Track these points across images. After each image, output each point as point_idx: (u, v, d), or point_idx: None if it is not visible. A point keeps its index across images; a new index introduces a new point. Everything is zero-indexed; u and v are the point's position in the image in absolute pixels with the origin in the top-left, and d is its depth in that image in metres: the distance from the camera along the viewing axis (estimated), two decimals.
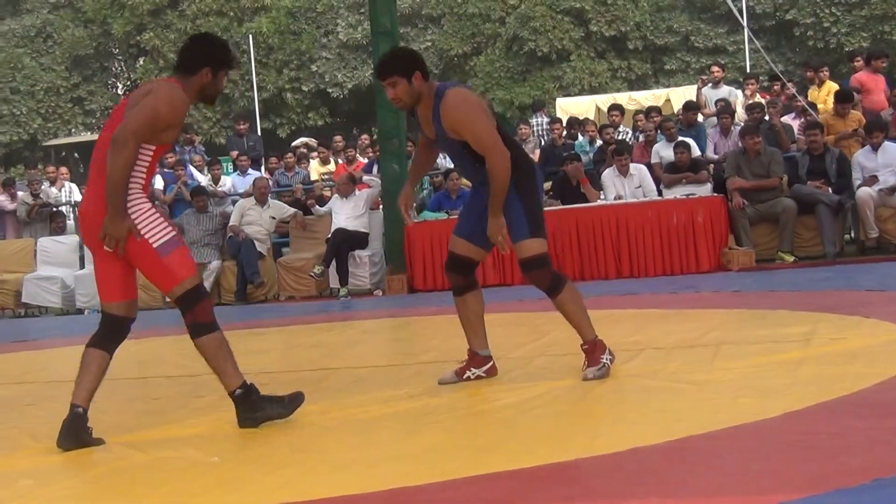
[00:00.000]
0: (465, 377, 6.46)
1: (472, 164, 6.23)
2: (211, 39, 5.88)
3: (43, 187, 18.66)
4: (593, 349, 6.23)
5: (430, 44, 34.76)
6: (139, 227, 5.31)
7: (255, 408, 5.48)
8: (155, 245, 5.33)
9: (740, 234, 13.68)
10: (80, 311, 16.20)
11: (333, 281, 14.97)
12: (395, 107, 6.44)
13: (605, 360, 6.20)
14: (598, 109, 26.00)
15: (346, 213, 15.04)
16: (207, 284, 15.53)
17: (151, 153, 5.37)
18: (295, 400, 5.61)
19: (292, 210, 15.98)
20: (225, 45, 5.83)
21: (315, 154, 20.10)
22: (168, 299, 5.54)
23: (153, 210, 5.41)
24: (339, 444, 5.03)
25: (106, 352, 5.48)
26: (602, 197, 14.49)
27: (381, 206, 15.26)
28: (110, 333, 5.52)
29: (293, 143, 24.85)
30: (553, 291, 6.24)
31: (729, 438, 4.52)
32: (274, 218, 15.84)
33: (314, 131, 32.79)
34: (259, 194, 15.87)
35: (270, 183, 17.12)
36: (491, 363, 6.53)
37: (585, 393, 5.68)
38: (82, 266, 16.48)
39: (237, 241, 15.55)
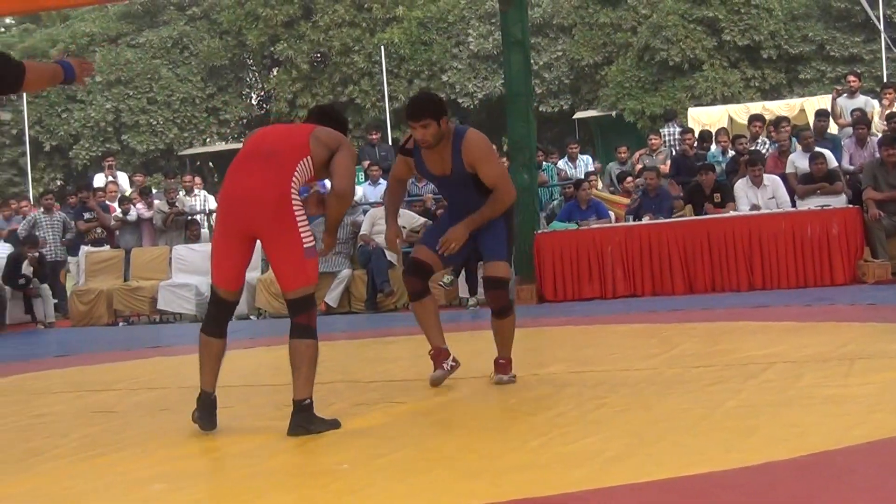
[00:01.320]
0: (447, 370, 7.12)
1: (474, 195, 6.86)
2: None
3: (179, 196, 18.98)
4: (509, 363, 7.05)
5: (560, 53, 34.69)
6: (299, 227, 5.80)
7: (311, 420, 5.78)
8: (304, 246, 5.78)
9: (876, 246, 13.43)
10: None
11: (462, 291, 15.01)
12: (421, 146, 6.90)
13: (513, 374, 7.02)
14: (731, 119, 25.73)
15: None
16: (337, 293, 15.71)
17: (311, 176, 6.03)
18: (335, 424, 5.88)
19: (422, 220, 16.03)
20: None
21: None
22: (288, 297, 5.89)
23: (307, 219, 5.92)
24: (468, 453, 5.03)
25: (223, 339, 6.03)
26: (735, 208, 14.31)
27: None
28: (224, 317, 6.06)
29: None
30: (505, 313, 7.03)
31: (863, 454, 4.44)
32: (404, 227, 15.89)
33: None
34: None
35: None
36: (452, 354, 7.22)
37: (716, 406, 5.62)
38: None
39: (368, 250, 15.67)
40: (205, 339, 5.99)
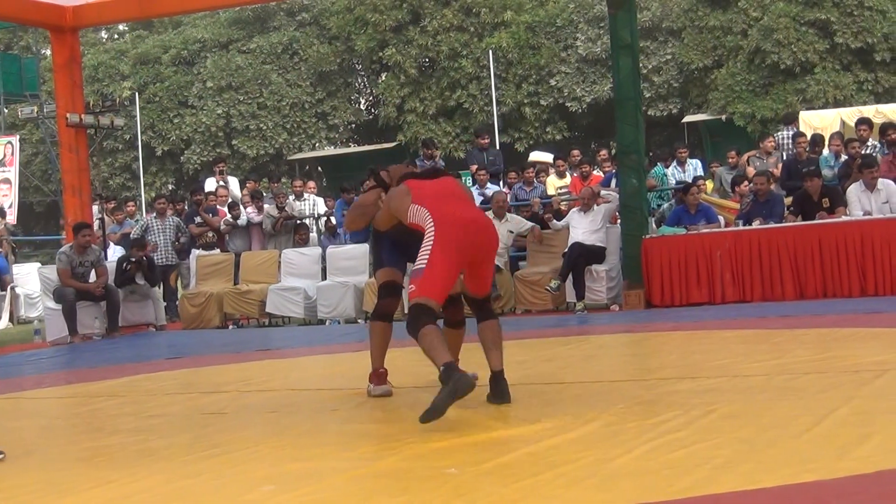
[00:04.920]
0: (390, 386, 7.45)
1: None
2: None
3: (288, 200, 19.15)
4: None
5: (669, 57, 34.48)
6: None
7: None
8: None
9: None
10: (322, 322, 16.55)
11: (570, 295, 14.96)
12: None
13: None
14: (844, 123, 25.36)
15: (583, 228, 15.02)
16: None
17: None
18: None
19: (530, 224, 16.01)
20: None
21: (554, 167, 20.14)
22: (482, 297, 6.92)
23: None
24: (576, 458, 5.02)
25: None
26: (847, 212, 14.11)
27: (618, 221, 15.18)
28: None
29: (530, 159, 24.85)
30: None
31: None
32: (512, 232, 15.89)
33: (552, 145, 32.84)
34: (497, 208, 15.96)
35: (509, 197, 17.19)
36: None
37: (827, 413, 5.55)
38: (324, 277, 16.85)
39: None
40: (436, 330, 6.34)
